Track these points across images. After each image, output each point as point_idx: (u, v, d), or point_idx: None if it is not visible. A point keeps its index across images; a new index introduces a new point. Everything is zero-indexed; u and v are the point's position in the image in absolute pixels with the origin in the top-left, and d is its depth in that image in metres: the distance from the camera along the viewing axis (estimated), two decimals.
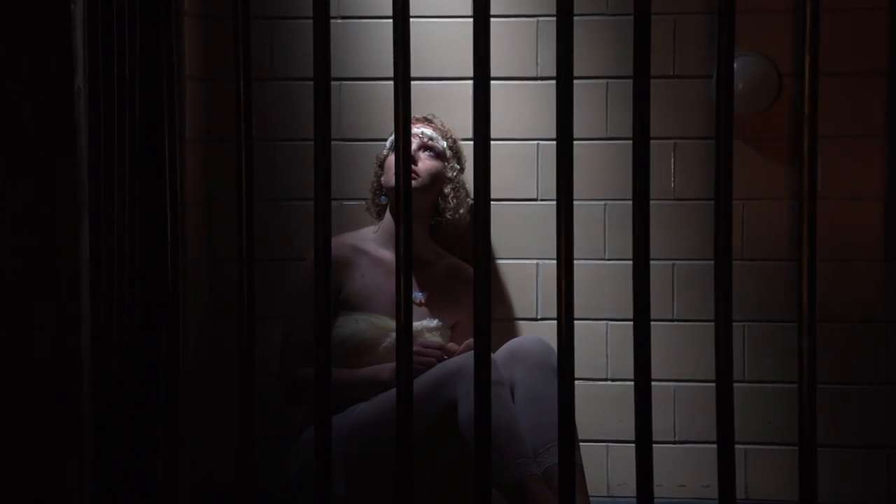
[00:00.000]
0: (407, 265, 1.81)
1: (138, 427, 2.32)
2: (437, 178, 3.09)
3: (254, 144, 1.87)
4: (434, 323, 3.07)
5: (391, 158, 3.03)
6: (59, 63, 1.98)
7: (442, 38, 3.26)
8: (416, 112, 3.11)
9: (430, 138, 3.08)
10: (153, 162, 2.37)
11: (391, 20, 1.82)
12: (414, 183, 3.00)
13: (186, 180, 3.14)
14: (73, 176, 2.00)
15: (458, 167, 3.14)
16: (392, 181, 2.99)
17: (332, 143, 3.24)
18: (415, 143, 3.05)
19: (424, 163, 3.06)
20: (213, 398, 3.31)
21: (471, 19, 2.09)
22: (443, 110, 3.21)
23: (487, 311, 1.80)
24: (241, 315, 1.87)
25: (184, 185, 3.12)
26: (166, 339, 2.25)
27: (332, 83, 3.24)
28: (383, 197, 3.11)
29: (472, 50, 1.78)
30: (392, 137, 3.09)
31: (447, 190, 3.10)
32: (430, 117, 3.14)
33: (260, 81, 3.27)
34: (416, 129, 3.07)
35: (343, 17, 3.28)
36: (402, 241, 1.80)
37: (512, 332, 3.26)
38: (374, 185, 3.16)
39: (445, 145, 3.10)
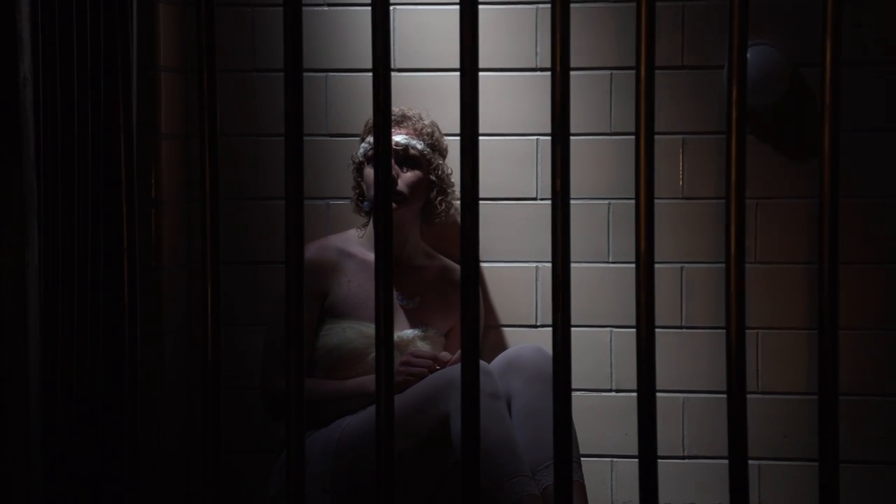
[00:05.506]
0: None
1: (99, 451, 2.16)
2: (420, 187, 2.98)
3: (218, 140, 1.75)
4: (425, 331, 3.00)
5: (369, 172, 2.89)
6: (1, 48, 1.81)
7: (435, 26, 3.18)
8: (401, 104, 3.04)
9: (405, 147, 2.92)
10: (117, 158, 2.22)
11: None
12: (397, 204, 2.93)
13: (163, 178, 3.08)
14: (18, 173, 1.85)
15: (441, 161, 3.00)
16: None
17: (319, 138, 3.19)
18: None
19: (405, 177, 2.96)
20: (193, 409, 3.18)
21: None
22: (435, 103, 3.13)
23: (476, 317, 1.73)
24: (203, 329, 1.74)
25: (160, 183, 3.05)
26: (129, 352, 2.10)
27: (318, 75, 3.18)
28: (366, 203, 2.97)
29: (459, 39, 1.73)
30: (367, 140, 2.94)
31: (433, 194, 2.98)
32: (399, 117, 2.96)
33: (241, 73, 3.21)
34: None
35: (329, 5, 3.20)
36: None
37: (509, 341, 3.21)
38: (356, 190, 3.02)
39: (422, 146, 2.94)
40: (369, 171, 2.93)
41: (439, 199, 3.00)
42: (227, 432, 3.05)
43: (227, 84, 3.15)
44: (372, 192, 2.91)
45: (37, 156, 1.97)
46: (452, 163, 3.03)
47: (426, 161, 2.98)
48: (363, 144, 2.99)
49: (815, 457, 1.72)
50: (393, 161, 2.93)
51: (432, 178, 2.99)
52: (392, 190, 2.91)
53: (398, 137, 2.95)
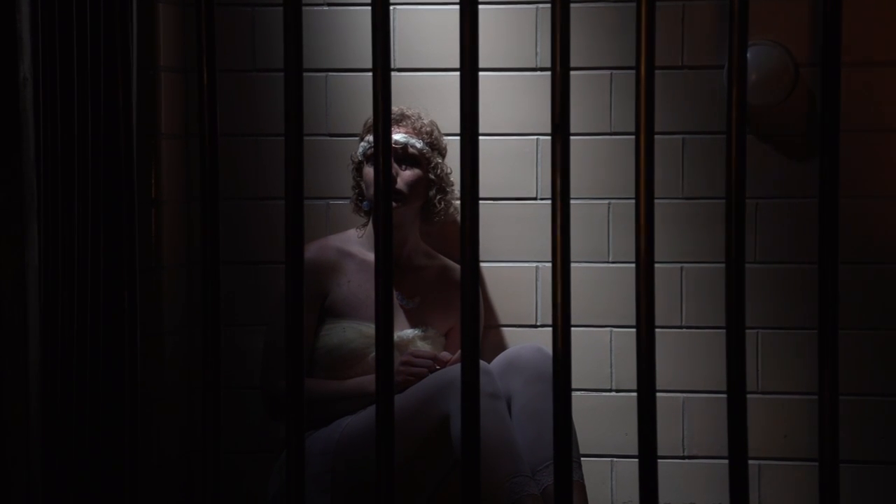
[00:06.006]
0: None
1: (99, 451, 2.16)
2: (420, 185, 2.97)
3: (218, 140, 1.75)
4: (425, 331, 2.99)
5: (369, 171, 2.89)
6: (1, 48, 1.81)
7: (435, 26, 3.17)
8: (401, 104, 3.03)
9: (404, 146, 2.91)
10: (117, 158, 2.22)
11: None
12: (396, 203, 2.92)
13: (163, 178, 3.06)
14: (18, 173, 1.85)
15: (440, 160, 2.99)
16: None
17: (319, 138, 3.18)
18: None
19: (404, 176, 2.95)
20: (193, 409, 3.17)
21: None
22: (435, 103, 3.11)
23: (476, 317, 1.73)
24: (203, 329, 1.74)
25: (160, 183, 3.04)
26: (129, 352, 2.10)
27: (318, 75, 3.18)
28: (365, 203, 2.96)
29: (459, 39, 1.72)
30: (366, 139, 2.93)
31: (432, 193, 2.96)
32: (398, 116, 2.95)
33: (241, 73, 3.20)
34: None
35: (329, 5, 3.18)
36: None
37: (509, 341, 3.20)
38: (355, 189, 3.01)
39: (421, 145, 2.93)
40: (369, 171, 2.93)
41: (438, 197, 3.00)
42: (227, 432, 3.04)
43: (227, 84, 3.15)
44: (371, 191, 2.91)
45: (37, 156, 1.97)
46: (452, 162, 3.02)
47: (425, 160, 2.97)
48: (362, 143, 2.99)
49: (815, 457, 1.71)
50: (392, 159, 2.93)
51: (431, 176, 2.98)
52: (391, 189, 2.91)
53: (397, 136, 2.94)
